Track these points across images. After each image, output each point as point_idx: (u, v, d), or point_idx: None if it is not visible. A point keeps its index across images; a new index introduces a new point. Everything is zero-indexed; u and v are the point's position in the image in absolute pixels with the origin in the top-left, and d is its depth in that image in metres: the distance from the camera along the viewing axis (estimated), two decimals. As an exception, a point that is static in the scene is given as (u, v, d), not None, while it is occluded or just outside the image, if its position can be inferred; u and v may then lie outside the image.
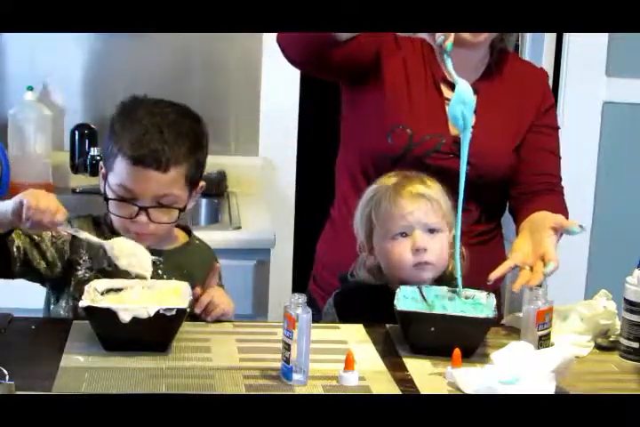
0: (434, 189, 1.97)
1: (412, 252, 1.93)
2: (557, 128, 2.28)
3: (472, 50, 2.15)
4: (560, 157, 2.24)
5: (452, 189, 1.96)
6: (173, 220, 1.89)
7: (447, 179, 1.99)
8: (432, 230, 1.94)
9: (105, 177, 1.90)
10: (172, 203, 1.88)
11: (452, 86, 2.16)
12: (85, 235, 1.81)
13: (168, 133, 1.85)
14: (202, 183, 1.98)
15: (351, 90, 2.21)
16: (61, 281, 1.90)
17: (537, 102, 2.22)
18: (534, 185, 2.16)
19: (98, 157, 2.91)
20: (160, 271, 1.93)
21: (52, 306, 1.94)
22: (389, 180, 1.99)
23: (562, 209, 2.12)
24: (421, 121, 2.12)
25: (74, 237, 1.83)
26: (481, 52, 2.18)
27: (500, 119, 2.17)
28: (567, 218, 2.06)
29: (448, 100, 2.15)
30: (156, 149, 1.83)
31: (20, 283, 1.95)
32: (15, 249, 1.83)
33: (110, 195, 1.87)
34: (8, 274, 1.86)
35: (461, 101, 1.88)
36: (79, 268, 1.89)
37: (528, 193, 2.16)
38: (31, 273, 1.87)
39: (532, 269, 1.91)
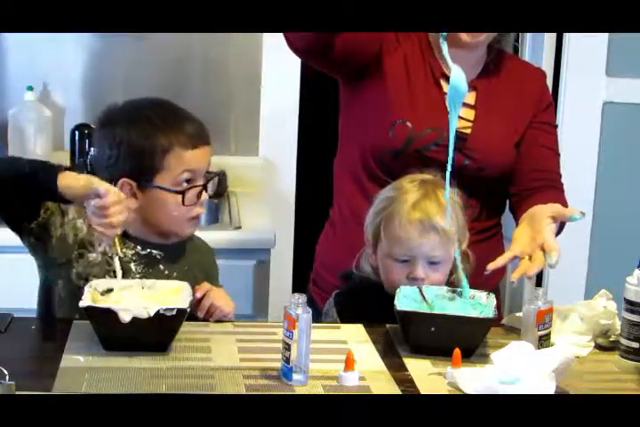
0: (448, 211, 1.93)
1: (408, 279, 1.92)
2: (556, 126, 2.29)
3: (470, 50, 2.15)
4: (559, 155, 2.25)
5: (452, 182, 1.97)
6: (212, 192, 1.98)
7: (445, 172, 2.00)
8: (434, 263, 1.93)
9: (140, 188, 1.88)
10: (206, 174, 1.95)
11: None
12: (117, 264, 1.82)
13: (189, 114, 1.95)
14: None
15: (351, 86, 2.21)
16: (63, 258, 1.89)
17: (535, 100, 2.22)
18: (534, 181, 2.16)
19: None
20: (161, 266, 1.94)
21: (49, 287, 1.93)
22: (407, 192, 1.95)
23: (562, 205, 2.12)
24: (422, 115, 2.13)
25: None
26: (479, 52, 2.19)
27: (500, 115, 2.18)
28: None
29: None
30: (201, 127, 1.93)
31: (21, 282, 1.95)
32: (44, 208, 1.84)
33: (167, 193, 1.88)
34: (20, 227, 1.86)
35: (454, 88, 1.88)
36: (92, 249, 1.89)
37: (528, 189, 2.16)
38: (43, 237, 1.87)
39: (530, 258, 1.91)
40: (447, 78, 2.13)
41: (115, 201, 1.72)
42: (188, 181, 1.89)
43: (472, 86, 2.18)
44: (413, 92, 2.15)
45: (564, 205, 2.12)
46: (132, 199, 1.88)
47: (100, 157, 1.93)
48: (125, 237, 1.92)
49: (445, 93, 2.11)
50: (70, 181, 1.74)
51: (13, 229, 1.86)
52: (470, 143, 2.13)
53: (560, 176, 2.22)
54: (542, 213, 1.97)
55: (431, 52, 2.18)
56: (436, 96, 2.15)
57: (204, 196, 1.92)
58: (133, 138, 1.88)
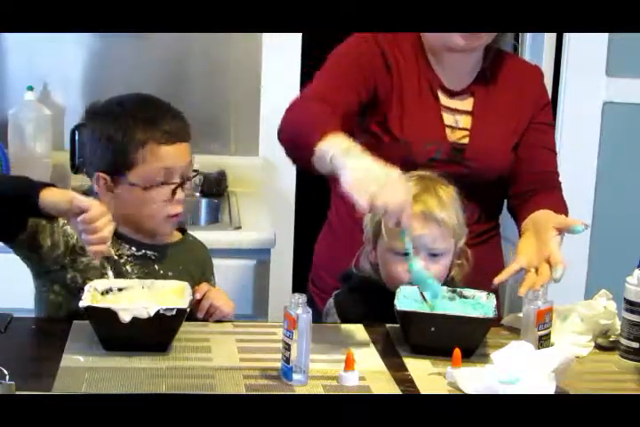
0: (448, 206, 1.94)
1: (409, 272, 1.92)
2: (553, 125, 2.29)
3: (466, 54, 2.14)
4: (556, 153, 2.25)
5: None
6: (190, 191, 1.96)
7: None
8: (435, 255, 1.94)
9: (110, 188, 1.90)
10: (189, 172, 1.94)
11: (448, 92, 2.16)
12: (110, 273, 1.82)
13: (173, 110, 1.95)
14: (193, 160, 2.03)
15: None
16: (57, 265, 1.88)
17: (533, 100, 2.21)
18: (534, 183, 2.16)
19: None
20: (157, 267, 1.94)
21: (45, 294, 1.93)
22: None
23: (562, 205, 2.12)
24: (418, 132, 2.10)
25: None
26: (476, 55, 2.17)
27: (498, 120, 2.17)
28: (567, 214, 2.07)
29: (444, 107, 2.14)
30: (179, 124, 1.92)
31: (21, 282, 1.95)
32: (31, 220, 1.80)
33: (140, 189, 1.88)
34: (10, 237, 1.84)
35: (420, 282, 1.85)
36: (85, 254, 1.87)
37: (528, 191, 2.15)
38: (33, 247, 1.85)
39: (537, 271, 1.91)
40: (445, 90, 2.13)
41: (99, 214, 1.71)
42: (164, 179, 1.89)
43: (469, 92, 2.17)
44: (408, 108, 2.11)
45: (564, 204, 2.12)
46: (107, 193, 1.90)
47: (85, 153, 1.95)
48: (120, 238, 1.92)
49: (442, 105, 2.11)
50: (52, 198, 1.73)
51: (2, 240, 1.85)
52: (468, 153, 2.12)
53: (558, 175, 2.22)
54: (547, 224, 1.96)
55: (426, 62, 2.15)
56: (431, 108, 2.13)
57: (180, 194, 1.91)
58: (111, 132, 1.89)
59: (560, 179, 2.22)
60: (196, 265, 2.01)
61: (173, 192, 1.90)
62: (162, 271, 1.94)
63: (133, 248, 1.93)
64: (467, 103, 2.16)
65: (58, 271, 1.89)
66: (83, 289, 1.77)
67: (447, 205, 1.94)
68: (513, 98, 2.19)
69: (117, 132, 1.88)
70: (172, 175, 1.90)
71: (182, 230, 2.05)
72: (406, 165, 2.07)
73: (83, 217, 1.70)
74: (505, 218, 2.28)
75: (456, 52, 2.11)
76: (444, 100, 2.15)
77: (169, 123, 1.90)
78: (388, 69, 2.12)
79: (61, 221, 1.85)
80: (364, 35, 2.13)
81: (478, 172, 2.12)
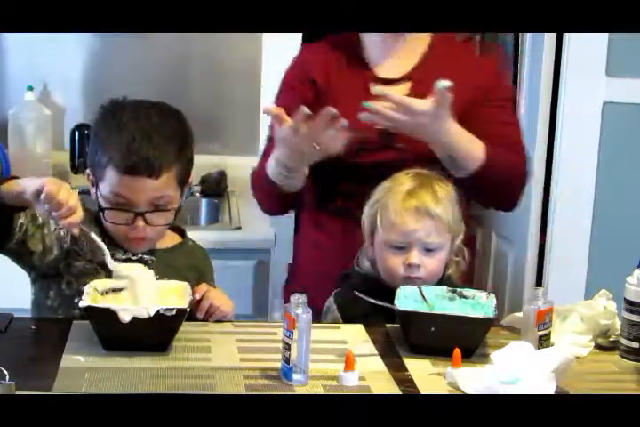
0: (443, 201, 1.94)
1: (404, 266, 1.93)
2: (511, 99, 2.29)
3: (402, 40, 2.17)
4: (519, 126, 2.24)
5: None
6: (170, 221, 1.91)
7: (386, 171, 1.99)
8: (430, 250, 1.94)
9: (94, 185, 1.90)
10: (167, 204, 1.88)
11: (383, 81, 2.16)
12: (96, 237, 1.80)
13: (156, 138, 1.85)
14: (191, 179, 1.98)
15: None
16: (52, 270, 1.88)
17: (475, 83, 2.16)
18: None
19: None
20: (154, 271, 1.93)
21: (42, 299, 1.93)
22: (403, 183, 1.97)
23: (521, 163, 2.15)
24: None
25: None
26: (414, 42, 2.19)
27: None
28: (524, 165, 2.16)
29: (377, 96, 2.06)
30: (147, 157, 1.82)
31: (21, 282, 1.95)
32: (18, 226, 1.79)
33: (104, 203, 1.87)
34: (1, 247, 1.82)
35: None
36: (79, 259, 1.88)
37: None
38: (24, 254, 1.83)
39: None
40: (380, 80, 2.15)
41: (57, 188, 1.66)
42: (119, 205, 1.86)
43: (408, 78, 2.17)
44: (339, 106, 2.05)
45: (523, 164, 2.16)
46: (92, 189, 1.90)
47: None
48: (117, 245, 1.91)
49: (375, 97, 2.06)
50: (7, 189, 1.71)
51: None
52: (400, 136, 2.09)
53: (523, 148, 2.20)
54: None
55: (361, 59, 2.19)
56: (360, 100, 2.08)
57: (140, 223, 1.86)
58: (98, 135, 1.89)
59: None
60: (194, 271, 2.00)
61: (133, 220, 1.86)
62: (158, 276, 1.92)
63: (129, 252, 1.92)
64: (403, 88, 2.16)
65: (53, 277, 1.89)
66: (78, 295, 1.76)
67: (442, 200, 1.95)
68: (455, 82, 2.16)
69: (97, 139, 1.88)
70: (136, 205, 1.85)
71: (182, 233, 2.04)
72: (336, 158, 2.06)
73: (42, 196, 1.65)
74: (504, 216, 2.28)
75: (391, 38, 2.15)
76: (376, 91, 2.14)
77: (140, 154, 1.82)
78: (314, 85, 2.20)
79: (52, 225, 1.82)
80: (294, 64, 2.26)
81: (411, 155, 2.08)
